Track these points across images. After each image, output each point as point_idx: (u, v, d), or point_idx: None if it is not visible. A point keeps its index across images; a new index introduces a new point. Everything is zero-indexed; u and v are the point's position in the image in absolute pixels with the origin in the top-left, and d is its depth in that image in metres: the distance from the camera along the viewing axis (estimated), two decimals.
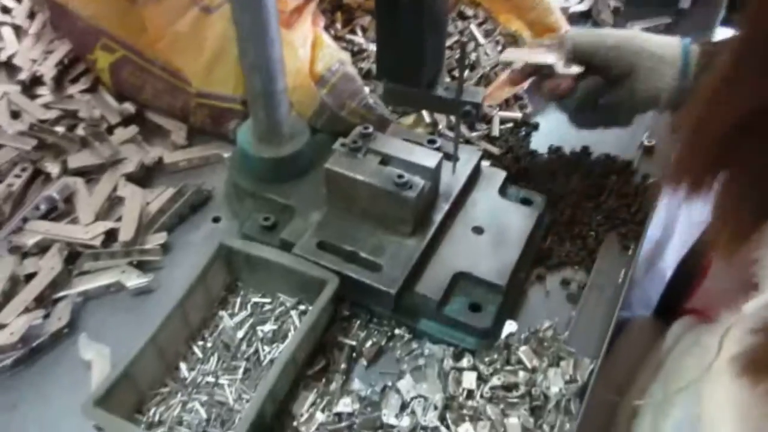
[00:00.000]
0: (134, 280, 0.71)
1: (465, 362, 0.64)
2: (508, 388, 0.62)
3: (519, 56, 0.79)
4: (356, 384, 0.63)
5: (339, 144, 0.71)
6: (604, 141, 0.85)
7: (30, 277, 0.70)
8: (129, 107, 0.89)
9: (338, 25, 1.00)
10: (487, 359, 0.64)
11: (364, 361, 0.66)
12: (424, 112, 0.89)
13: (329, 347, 0.66)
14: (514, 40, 0.99)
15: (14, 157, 0.80)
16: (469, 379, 0.62)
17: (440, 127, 0.88)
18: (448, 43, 0.97)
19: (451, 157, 0.73)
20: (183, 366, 0.64)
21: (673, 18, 1.08)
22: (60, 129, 0.83)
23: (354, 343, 0.66)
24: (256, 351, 0.65)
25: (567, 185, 0.80)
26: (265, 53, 0.66)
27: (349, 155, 0.70)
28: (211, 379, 0.63)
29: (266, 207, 0.75)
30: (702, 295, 0.81)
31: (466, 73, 0.94)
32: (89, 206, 0.76)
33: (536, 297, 0.72)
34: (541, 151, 0.86)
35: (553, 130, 0.89)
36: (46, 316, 0.68)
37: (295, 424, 0.60)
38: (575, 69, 0.73)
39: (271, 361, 0.64)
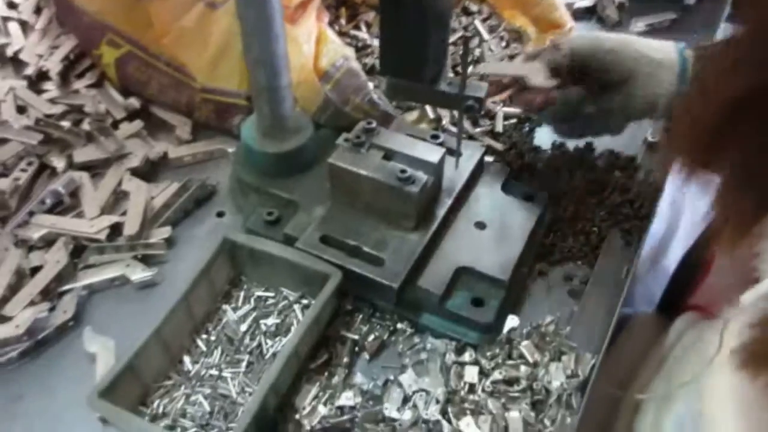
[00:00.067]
0: (139, 273, 0.71)
1: (467, 356, 0.64)
2: (510, 382, 0.62)
3: (494, 69, 0.79)
4: (358, 378, 0.63)
5: (342, 139, 0.71)
6: (608, 137, 0.84)
7: (35, 270, 0.71)
8: (134, 102, 0.89)
9: (342, 21, 1.00)
10: (488, 353, 0.64)
11: (366, 355, 0.66)
12: (428, 108, 0.89)
13: (332, 341, 0.66)
14: (518, 36, 0.99)
15: (20, 152, 0.81)
16: (471, 374, 0.62)
17: (444, 122, 0.88)
18: (452, 38, 0.97)
19: (454, 153, 0.73)
20: (187, 359, 0.64)
21: (678, 14, 1.07)
22: (66, 124, 0.83)
23: (356, 337, 0.66)
24: (259, 344, 0.65)
25: (570, 181, 0.80)
26: (269, 48, 0.67)
27: (352, 150, 0.70)
28: (214, 372, 0.63)
29: (270, 202, 0.75)
30: (705, 291, 0.81)
31: (470, 68, 0.94)
32: (94, 200, 0.77)
33: (538, 292, 0.72)
34: (545, 147, 0.86)
35: None
36: (52, 309, 0.68)
37: (297, 417, 0.60)
38: (552, 82, 0.72)
39: (274, 354, 0.64)
